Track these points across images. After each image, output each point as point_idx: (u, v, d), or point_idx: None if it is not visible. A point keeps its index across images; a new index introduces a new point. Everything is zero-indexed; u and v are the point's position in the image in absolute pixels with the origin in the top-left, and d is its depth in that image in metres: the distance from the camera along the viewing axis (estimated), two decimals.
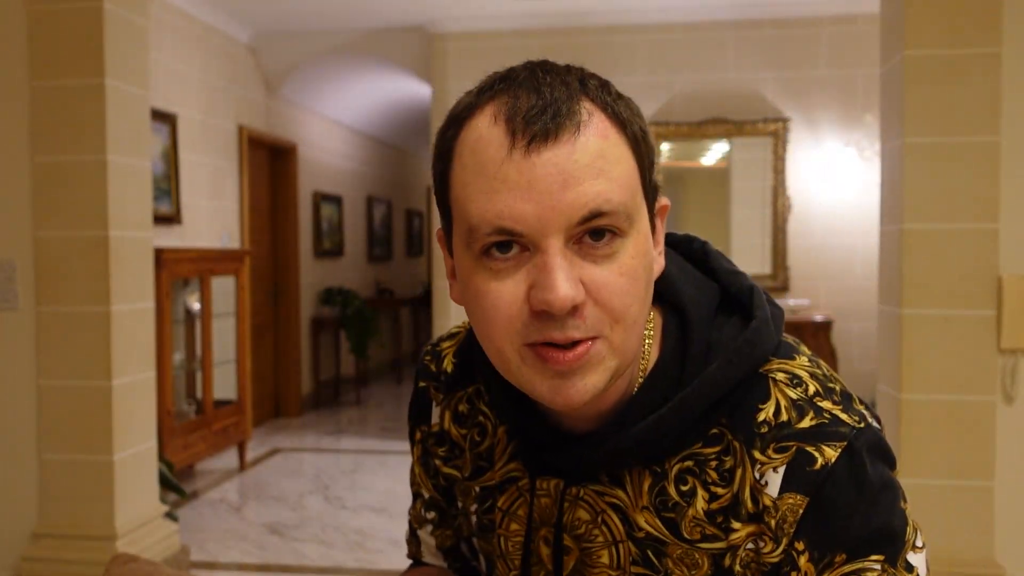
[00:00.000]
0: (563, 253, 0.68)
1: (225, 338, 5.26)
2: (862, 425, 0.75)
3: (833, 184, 5.54)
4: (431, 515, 0.99)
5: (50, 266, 3.03)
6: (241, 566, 3.80)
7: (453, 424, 0.91)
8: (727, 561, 0.76)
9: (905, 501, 0.75)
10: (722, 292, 0.82)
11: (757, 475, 0.74)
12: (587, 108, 0.70)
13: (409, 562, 1.07)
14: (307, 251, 7.21)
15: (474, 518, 0.90)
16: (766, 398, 0.76)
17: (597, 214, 0.68)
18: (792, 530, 0.73)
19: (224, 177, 5.86)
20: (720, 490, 0.76)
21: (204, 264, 4.92)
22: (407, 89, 7.19)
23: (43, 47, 3.00)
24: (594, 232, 0.69)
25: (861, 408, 0.78)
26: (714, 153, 5.83)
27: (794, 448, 0.73)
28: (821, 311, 5.44)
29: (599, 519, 0.80)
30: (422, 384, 0.95)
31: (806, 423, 0.74)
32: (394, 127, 9.03)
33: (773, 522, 0.73)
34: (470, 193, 0.70)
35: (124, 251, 3.07)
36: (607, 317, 0.70)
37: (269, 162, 6.77)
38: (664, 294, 0.80)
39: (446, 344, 0.96)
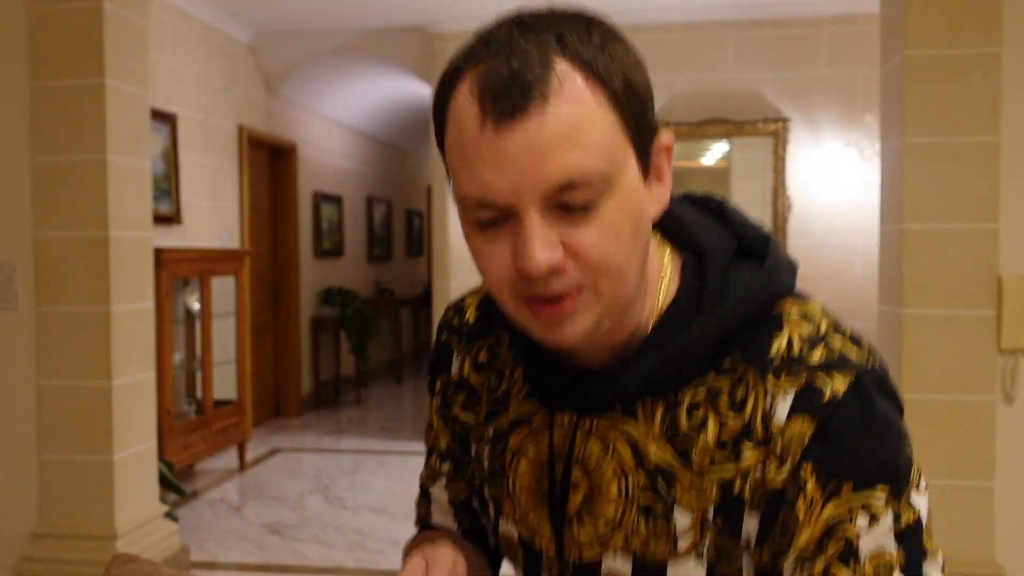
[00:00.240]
0: (541, 220, 0.70)
1: (225, 338, 5.26)
2: (871, 363, 0.77)
3: (833, 184, 5.54)
4: (446, 467, 1.00)
5: (50, 266, 3.03)
6: (241, 566, 3.80)
7: (473, 371, 0.94)
8: (737, 487, 0.77)
9: (910, 445, 0.77)
10: (739, 241, 0.84)
11: (768, 403, 0.76)
12: (561, 71, 0.69)
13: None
14: (307, 251, 7.21)
15: (486, 463, 0.92)
16: (779, 330, 0.79)
17: (569, 185, 0.69)
18: (799, 454, 0.74)
19: (224, 177, 5.86)
20: (731, 419, 0.78)
21: (204, 264, 4.92)
22: (407, 89, 7.19)
23: (43, 47, 3.00)
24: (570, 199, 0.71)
25: (870, 349, 0.80)
26: (714, 153, 5.83)
27: (804, 377, 0.76)
28: None
29: (610, 450, 0.81)
30: (444, 337, 0.98)
31: (817, 356, 0.77)
32: (394, 127, 9.03)
33: (780, 445, 0.75)
34: (456, 167, 0.72)
35: (124, 251, 3.07)
36: (589, 272, 0.72)
37: (269, 162, 6.77)
38: (683, 238, 0.83)
39: (469, 299, 0.99)
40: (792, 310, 0.80)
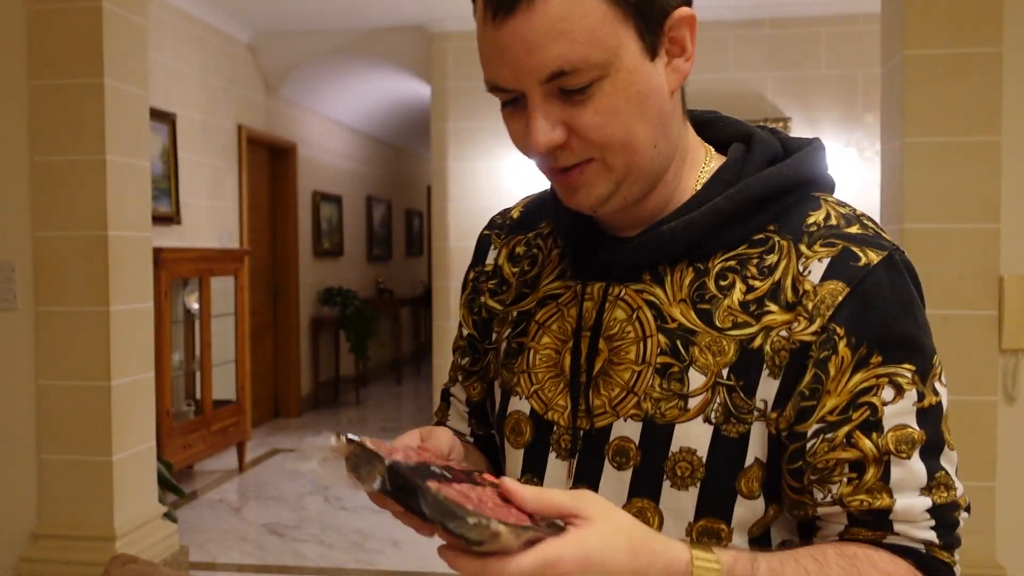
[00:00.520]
0: (542, 102, 0.77)
1: (224, 338, 5.25)
2: (900, 249, 0.81)
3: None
4: (465, 360, 1.04)
5: (49, 266, 3.02)
6: (240, 567, 3.79)
7: (507, 262, 0.99)
8: (757, 343, 0.79)
9: (932, 337, 0.81)
10: (785, 149, 0.89)
11: (801, 267, 0.80)
12: None
13: None
14: (307, 251, 7.21)
15: (503, 345, 0.95)
16: (817, 208, 0.84)
17: (559, 74, 0.75)
18: (829, 312, 0.77)
19: (223, 177, 5.86)
20: (757, 282, 0.81)
21: (203, 264, 4.91)
22: (407, 89, 7.19)
23: (42, 47, 2.99)
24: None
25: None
26: None
27: (841, 246, 0.80)
28: None
29: (634, 316, 0.84)
30: (485, 232, 1.05)
31: (854, 230, 0.81)
32: (394, 127, 9.02)
33: (811, 304, 0.78)
34: (479, 52, 0.80)
35: (123, 251, 3.07)
36: (594, 148, 0.78)
37: (269, 162, 6.76)
38: (734, 131, 0.90)
39: (520, 201, 1.06)
40: (830, 198, 0.85)
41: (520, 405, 0.91)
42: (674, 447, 0.80)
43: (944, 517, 0.78)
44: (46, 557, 3.04)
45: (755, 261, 0.82)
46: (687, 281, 0.83)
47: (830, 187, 0.87)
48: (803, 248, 0.81)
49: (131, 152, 3.12)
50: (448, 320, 5.98)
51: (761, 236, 0.83)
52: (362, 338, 7.57)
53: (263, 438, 6.24)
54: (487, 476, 0.73)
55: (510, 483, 0.69)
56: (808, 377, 0.77)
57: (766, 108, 5.54)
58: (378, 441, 0.72)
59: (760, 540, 0.82)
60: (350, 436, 0.70)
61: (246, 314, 5.48)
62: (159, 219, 4.81)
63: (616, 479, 0.83)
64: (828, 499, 0.78)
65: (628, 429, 0.83)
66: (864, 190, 5.37)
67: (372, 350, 8.18)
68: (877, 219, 0.96)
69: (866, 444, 0.77)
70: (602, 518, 0.68)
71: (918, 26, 2.58)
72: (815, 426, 0.78)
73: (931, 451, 0.78)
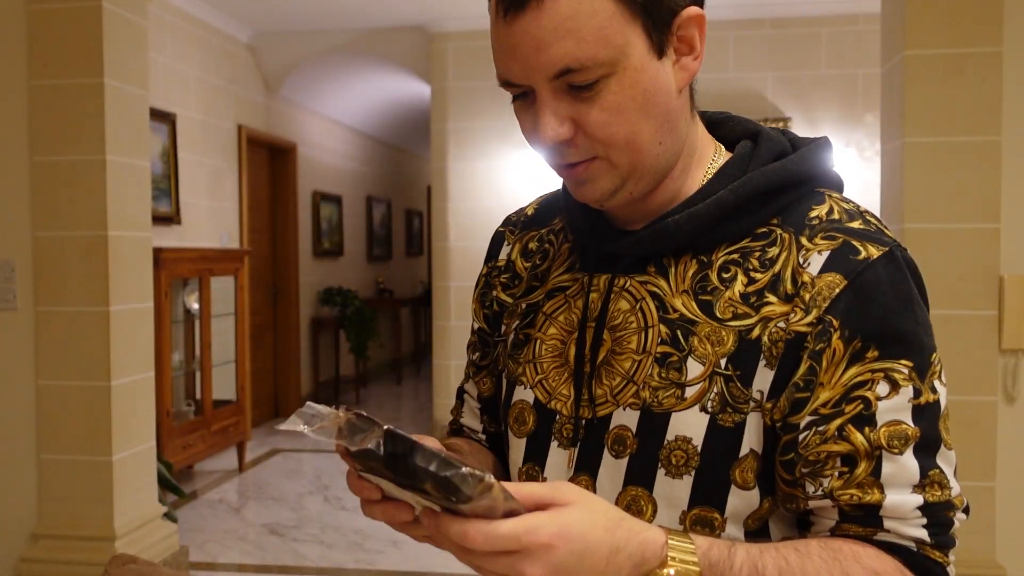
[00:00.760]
0: (551, 98, 0.79)
1: (224, 338, 5.25)
2: (902, 246, 0.82)
3: None
4: (476, 356, 1.07)
5: (49, 266, 3.02)
6: (240, 567, 3.79)
7: (520, 257, 1.01)
8: (755, 333, 0.80)
9: (932, 336, 0.81)
10: (793, 146, 0.90)
11: (801, 259, 0.81)
12: None
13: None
14: (307, 251, 7.20)
15: (511, 336, 0.97)
16: (821, 203, 0.85)
17: (567, 71, 0.76)
18: (826, 304, 0.78)
19: (223, 177, 5.86)
20: (758, 275, 0.82)
21: (203, 264, 4.91)
22: (407, 89, 7.19)
23: (42, 47, 2.99)
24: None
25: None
26: None
27: (841, 239, 0.80)
28: None
29: (637, 306, 0.86)
30: (500, 229, 1.07)
31: (856, 224, 0.82)
32: (394, 127, 9.02)
33: (808, 295, 0.79)
34: (492, 47, 0.82)
35: (123, 251, 3.07)
36: (599, 145, 0.80)
37: (268, 162, 6.76)
38: (742, 129, 0.92)
39: (537, 198, 1.08)
40: (834, 194, 0.86)
41: (524, 394, 0.92)
42: (670, 435, 0.81)
43: (937, 516, 0.77)
44: (46, 557, 3.04)
45: (757, 254, 0.83)
46: (690, 273, 0.84)
47: (837, 185, 0.88)
48: (804, 240, 0.82)
49: (131, 152, 3.12)
50: (448, 320, 5.98)
51: (764, 229, 0.84)
52: (362, 338, 7.57)
53: (263, 438, 6.24)
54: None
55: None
56: (803, 368, 0.78)
57: (766, 108, 5.54)
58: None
59: (757, 534, 0.82)
60: (356, 411, 0.70)
61: (246, 314, 5.48)
62: (159, 219, 4.81)
63: (614, 467, 0.84)
64: (819, 492, 0.78)
65: (626, 418, 0.84)
66: (864, 190, 5.36)
67: (372, 350, 8.18)
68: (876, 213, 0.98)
69: (858, 438, 0.76)
70: (579, 500, 0.69)
71: (918, 26, 2.58)
72: (808, 418, 0.78)
73: (926, 449, 0.77)
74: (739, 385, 0.80)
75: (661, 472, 0.82)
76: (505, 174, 5.78)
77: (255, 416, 6.30)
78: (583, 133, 0.79)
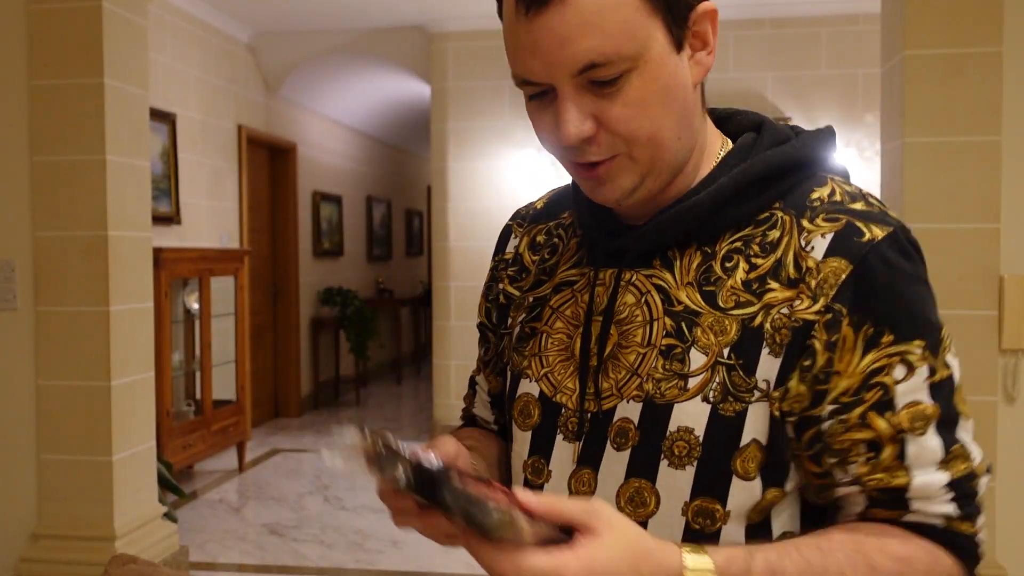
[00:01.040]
0: (573, 94, 0.78)
1: (224, 338, 5.25)
2: (905, 226, 0.81)
3: None
4: (481, 351, 1.07)
5: (49, 266, 3.02)
6: (240, 567, 3.79)
7: (528, 250, 1.01)
8: (758, 321, 0.80)
9: (938, 311, 0.81)
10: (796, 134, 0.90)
11: (803, 242, 0.80)
12: None
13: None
14: (307, 251, 7.20)
15: (516, 329, 0.97)
16: (822, 185, 0.84)
17: (591, 66, 0.75)
18: (833, 292, 0.78)
19: (223, 177, 5.86)
20: (760, 260, 0.82)
21: (203, 264, 4.91)
22: (407, 89, 7.19)
23: (42, 47, 2.99)
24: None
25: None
26: None
27: (844, 220, 0.80)
28: None
29: (643, 300, 0.86)
30: (508, 223, 1.07)
31: (858, 206, 0.82)
32: (394, 127, 9.02)
33: (814, 282, 0.78)
34: (506, 48, 0.81)
35: (123, 251, 3.07)
36: (621, 141, 0.79)
37: (268, 162, 6.76)
38: (747, 122, 0.91)
39: (545, 193, 1.08)
40: (836, 177, 0.86)
41: (530, 388, 0.92)
42: (672, 426, 0.81)
43: (963, 488, 0.78)
44: (46, 557, 3.04)
45: (758, 239, 0.83)
46: (695, 265, 0.84)
47: (840, 172, 0.88)
48: (805, 223, 0.81)
49: (131, 152, 3.12)
50: (448, 320, 5.98)
51: (766, 214, 0.84)
52: (362, 338, 7.57)
53: (263, 438, 6.24)
54: (497, 484, 0.74)
55: (520, 491, 0.70)
56: (822, 361, 0.78)
57: (766, 108, 5.54)
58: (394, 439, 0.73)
59: (759, 528, 0.82)
60: (375, 432, 0.72)
61: (246, 314, 5.48)
62: (159, 219, 4.81)
63: (616, 459, 0.84)
64: (847, 479, 0.79)
65: (629, 410, 0.84)
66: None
67: (372, 350, 8.18)
68: None
69: (880, 424, 0.77)
70: (609, 529, 0.69)
71: (918, 26, 2.58)
72: (829, 407, 0.78)
73: (946, 424, 0.78)
74: (741, 374, 0.80)
75: (664, 463, 0.82)
76: (505, 174, 5.78)
77: (255, 416, 6.30)
78: (605, 130, 0.79)
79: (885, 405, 0.77)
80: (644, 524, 0.82)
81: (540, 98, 0.81)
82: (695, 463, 0.81)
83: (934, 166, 2.59)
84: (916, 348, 0.78)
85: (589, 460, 0.86)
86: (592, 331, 0.88)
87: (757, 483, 0.80)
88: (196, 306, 5.00)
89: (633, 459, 0.83)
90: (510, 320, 0.99)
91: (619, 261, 0.88)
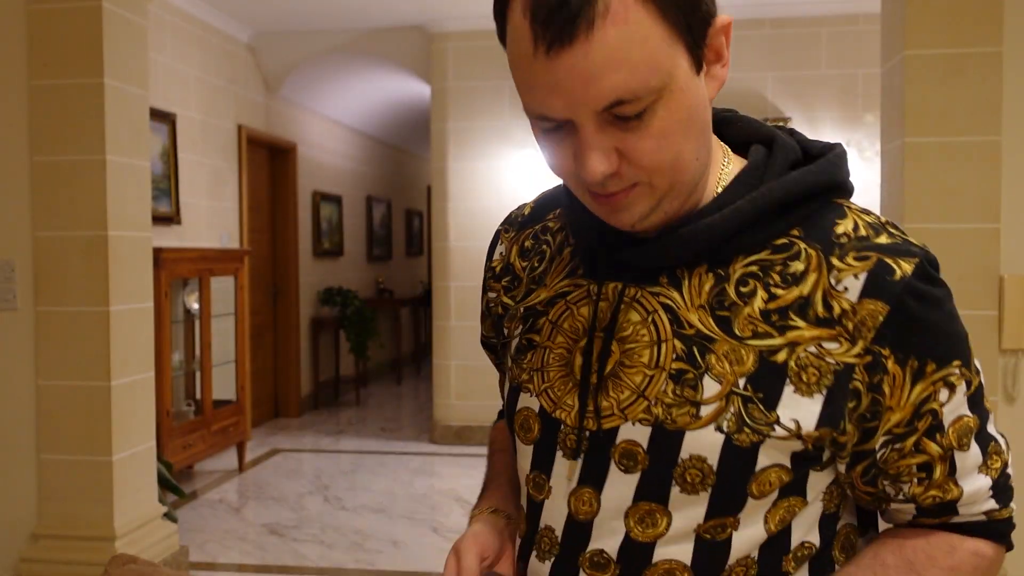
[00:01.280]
0: (596, 130, 0.74)
1: (224, 338, 5.25)
2: (926, 249, 0.82)
3: None
4: (492, 357, 1.08)
5: (49, 266, 3.02)
6: (240, 567, 3.79)
7: (518, 257, 0.99)
8: (781, 357, 0.79)
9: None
10: (804, 153, 0.88)
11: (833, 280, 0.79)
12: None
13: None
14: (307, 251, 7.21)
15: (515, 342, 0.95)
16: (843, 216, 0.83)
17: (618, 103, 0.72)
18: (872, 334, 0.77)
19: (223, 177, 5.86)
20: (781, 291, 0.80)
21: (203, 264, 4.91)
22: (407, 89, 7.19)
23: (42, 47, 2.99)
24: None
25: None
26: None
27: (875, 258, 0.79)
28: None
29: (649, 319, 0.83)
30: (498, 228, 1.05)
31: (883, 240, 0.81)
32: (394, 127, 9.02)
33: (851, 324, 0.78)
34: (517, 82, 0.77)
35: (123, 251, 3.07)
36: (643, 172, 0.77)
37: (268, 162, 6.76)
38: (754, 132, 0.89)
39: (536, 196, 1.05)
40: (852, 205, 0.85)
41: (530, 402, 0.90)
42: (684, 454, 0.80)
43: (1000, 483, 0.83)
44: (46, 557, 3.04)
45: (778, 268, 0.81)
46: (707, 287, 0.82)
47: (850, 192, 0.87)
48: (835, 261, 0.80)
49: (131, 152, 3.12)
50: (448, 320, 5.98)
51: (784, 241, 0.82)
52: (362, 338, 7.57)
53: (263, 438, 6.24)
54: None
55: None
56: (866, 402, 0.79)
57: (766, 108, 5.54)
58: None
59: (778, 537, 0.82)
60: None
61: (246, 314, 5.48)
62: (159, 219, 4.81)
63: (622, 481, 0.83)
64: (901, 497, 0.83)
65: (636, 433, 0.82)
66: (864, 190, 5.36)
67: (372, 350, 8.19)
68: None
69: (933, 448, 0.80)
70: None
71: (918, 26, 2.58)
72: (882, 439, 0.80)
73: (983, 431, 0.83)
74: (760, 407, 0.78)
75: (676, 489, 0.81)
76: (505, 174, 5.78)
77: (255, 416, 6.30)
78: (627, 161, 0.76)
79: (935, 428, 0.80)
80: (653, 544, 0.82)
81: (555, 131, 0.77)
82: (709, 489, 0.80)
83: (934, 166, 2.59)
84: (955, 369, 0.80)
85: (590, 479, 0.84)
86: (593, 347, 0.85)
87: (773, 495, 0.81)
88: (196, 306, 5.00)
89: (643, 483, 0.82)
90: (506, 331, 0.97)
91: (622, 275, 0.86)
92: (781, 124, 0.94)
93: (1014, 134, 2.58)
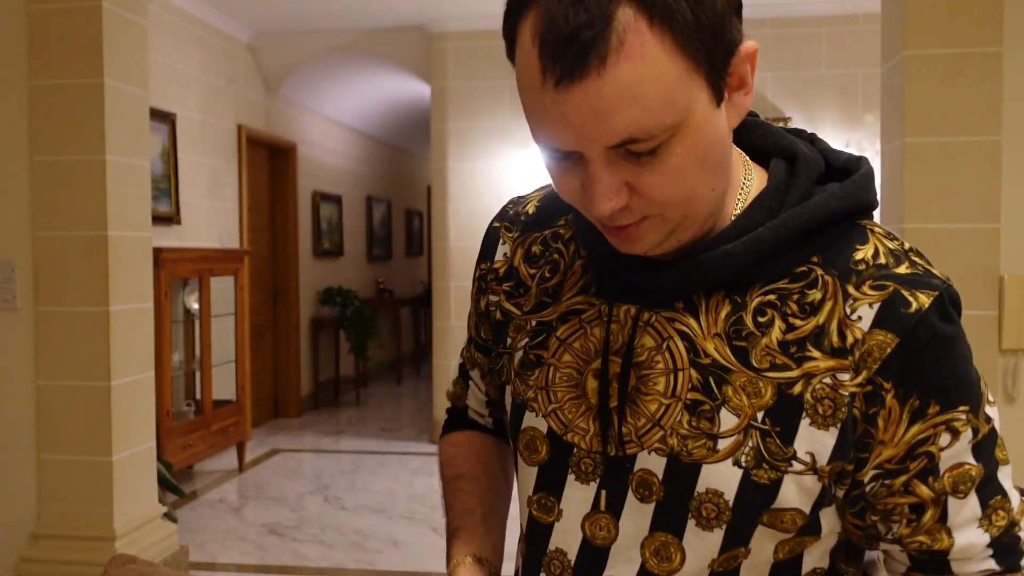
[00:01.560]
0: (606, 164, 0.71)
1: (224, 338, 5.25)
2: (948, 283, 0.78)
3: None
4: (480, 357, 1.02)
5: (49, 266, 3.02)
6: (240, 567, 3.79)
7: (524, 263, 0.93)
8: (797, 389, 0.76)
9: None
10: (826, 164, 0.84)
11: (848, 309, 0.76)
12: (622, 22, 0.65)
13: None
14: (306, 251, 7.21)
15: (519, 354, 0.90)
16: (864, 242, 0.79)
17: (630, 141, 0.68)
18: (876, 365, 0.75)
19: (223, 177, 5.86)
20: (799, 321, 0.77)
21: (203, 264, 4.91)
22: (407, 89, 7.19)
23: (42, 47, 2.99)
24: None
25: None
26: None
27: (892, 288, 0.76)
28: None
29: (664, 346, 0.80)
30: (495, 224, 0.98)
31: (903, 270, 0.77)
32: (394, 127, 9.02)
33: (858, 353, 0.75)
34: (524, 108, 0.73)
35: (123, 251, 3.07)
36: (655, 207, 0.73)
37: (268, 162, 6.76)
38: (775, 145, 0.85)
39: (534, 193, 0.99)
40: (876, 228, 0.81)
41: (536, 422, 0.87)
42: (700, 487, 0.78)
43: (1002, 543, 0.78)
44: (46, 557, 3.04)
45: (796, 297, 0.78)
46: (723, 315, 0.79)
47: (874, 203, 0.83)
48: (851, 289, 0.77)
49: (131, 152, 3.12)
50: (448, 320, 5.98)
51: (803, 268, 0.79)
52: (362, 338, 7.57)
53: (263, 438, 6.24)
54: None
55: None
56: (859, 432, 0.76)
57: (766, 108, 5.54)
58: None
59: (789, 564, 0.81)
60: None
61: (246, 314, 5.48)
62: (159, 219, 4.81)
63: (639, 511, 0.81)
64: (889, 536, 0.80)
65: (652, 462, 0.80)
66: None
67: (372, 350, 8.19)
68: (877, 219, 0.93)
69: (923, 490, 0.77)
70: None
71: (918, 26, 2.58)
72: (872, 472, 0.78)
73: (989, 482, 0.78)
74: (778, 442, 0.76)
75: (691, 523, 0.79)
76: (505, 174, 5.78)
77: (255, 416, 6.31)
78: (638, 195, 0.72)
79: (929, 471, 0.77)
80: None
81: (564, 160, 0.73)
82: (724, 526, 0.78)
83: (934, 166, 2.58)
84: (961, 414, 0.76)
85: (609, 506, 0.82)
86: (609, 370, 0.82)
87: (788, 534, 0.79)
88: (196, 306, 5.00)
89: (658, 514, 0.80)
90: (509, 340, 0.92)
91: (635, 298, 0.82)
92: (799, 128, 0.91)
93: (1014, 134, 2.58)
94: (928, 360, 0.75)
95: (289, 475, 5.30)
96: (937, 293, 0.76)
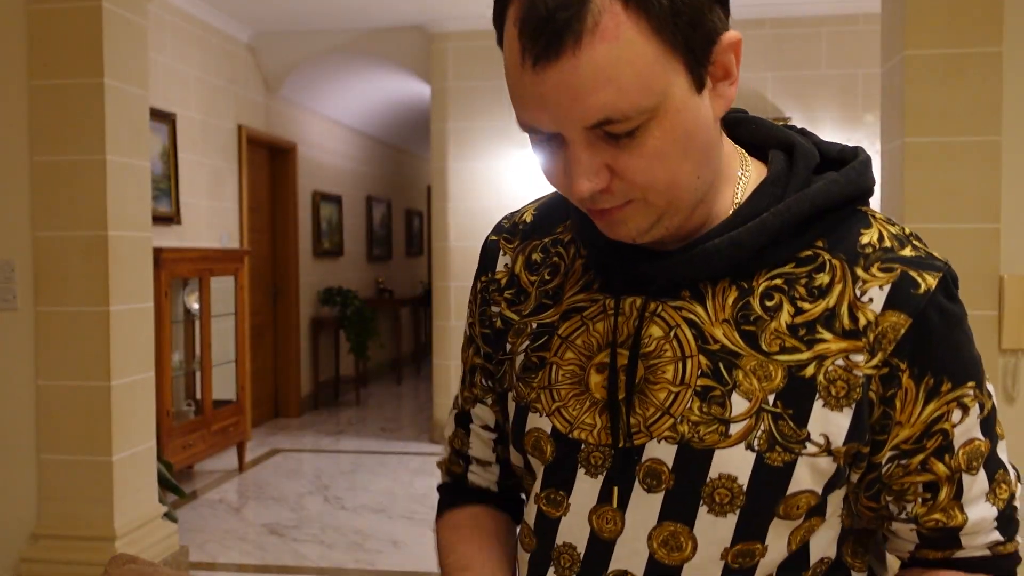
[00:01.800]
0: (585, 146, 0.72)
1: (224, 338, 5.25)
2: (948, 264, 0.81)
3: None
4: (488, 382, 0.98)
5: (49, 266, 3.02)
6: (240, 567, 3.79)
7: (524, 270, 0.94)
8: (809, 371, 0.77)
9: None
10: (820, 155, 0.86)
11: (858, 291, 0.78)
12: (597, 6, 0.67)
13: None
14: (306, 251, 7.21)
15: (520, 358, 0.90)
16: (868, 226, 0.81)
17: (606, 122, 0.70)
18: (891, 347, 0.77)
19: (223, 177, 5.86)
20: (808, 305, 0.79)
21: (203, 264, 4.91)
22: (407, 89, 7.19)
23: (42, 47, 2.99)
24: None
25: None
26: None
27: (900, 270, 0.78)
28: None
29: (672, 334, 0.81)
30: (492, 238, 0.98)
31: (908, 252, 0.80)
32: (394, 127, 9.02)
33: (872, 335, 0.77)
34: (509, 91, 0.75)
35: (123, 251, 3.07)
36: (636, 190, 0.74)
37: (268, 162, 6.76)
38: (771, 137, 0.86)
39: (528, 205, 1.00)
40: (876, 214, 0.84)
41: (540, 422, 0.86)
42: (712, 473, 0.78)
43: (1005, 515, 0.81)
44: (46, 557, 3.04)
45: (803, 281, 0.79)
46: (730, 300, 0.80)
47: (871, 188, 0.85)
48: (859, 272, 0.78)
49: (131, 152, 3.12)
50: (448, 320, 5.98)
51: (809, 253, 0.80)
52: (362, 338, 7.57)
53: (263, 438, 6.24)
54: None
55: None
56: (877, 412, 0.78)
57: (766, 108, 5.54)
58: None
59: (798, 555, 0.81)
60: None
61: (246, 314, 5.48)
62: (159, 219, 4.81)
63: (646, 501, 0.81)
64: (903, 516, 0.82)
65: (661, 451, 0.79)
66: None
67: (372, 350, 8.19)
68: None
69: (940, 468, 0.79)
70: None
71: (918, 26, 2.58)
72: (889, 453, 0.80)
73: (993, 455, 0.81)
74: (791, 424, 0.77)
75: (703, 509, 0.79)
76: (505, 174, 5.78)
77: (255, 416, 6.31)
78: (619, 178, 0.73)
79: (945, 449, 0.79)
80: (679, 568, 0.80)
81: (547, 143, 0.76)
82: (737, 511, 0.78)
83: (934, 166, 2.58)
84: (969, 390, 0.79)
85: (615, 498, 0.82)
86: (617, 363, 0.82)
87: (800, 519, 0.80)
88: (196, 306, 5.00)
89: (667, 503, 0.80)
90: (509, 346, 0.92)
91: (641, 289, 0.82)
92: (791, 124, 0.93)
93: (1014, 134, 2.58)
94: (939, 339, 0.77)
95: (289, 475, 5.30)
96: (941, 274, 0.79)
